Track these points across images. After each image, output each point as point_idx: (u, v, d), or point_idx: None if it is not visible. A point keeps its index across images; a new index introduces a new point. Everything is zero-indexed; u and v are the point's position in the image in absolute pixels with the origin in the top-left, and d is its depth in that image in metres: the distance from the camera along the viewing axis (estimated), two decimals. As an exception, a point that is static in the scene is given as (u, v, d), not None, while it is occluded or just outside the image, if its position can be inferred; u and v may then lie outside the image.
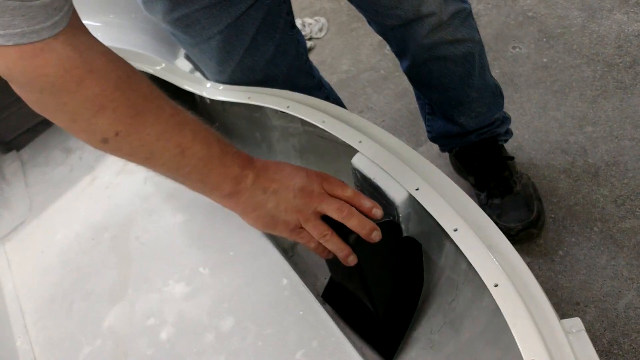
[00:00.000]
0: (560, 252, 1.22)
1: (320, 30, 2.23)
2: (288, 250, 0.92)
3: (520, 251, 0.61)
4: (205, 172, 0.68)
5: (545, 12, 1.76)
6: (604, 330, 1.07)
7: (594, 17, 1.67)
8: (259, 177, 0.70)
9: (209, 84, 1.04)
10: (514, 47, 1.71)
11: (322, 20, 2.26)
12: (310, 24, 2.27)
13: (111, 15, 1.40)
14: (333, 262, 0.75)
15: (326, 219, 0.70)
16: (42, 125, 1.34)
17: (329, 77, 1.92)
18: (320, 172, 0.73)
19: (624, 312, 1.09)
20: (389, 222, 0.72)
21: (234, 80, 1.03)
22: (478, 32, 1.14)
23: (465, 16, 1.08)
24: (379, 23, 1.10)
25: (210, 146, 0.68)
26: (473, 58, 1.13)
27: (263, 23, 0.97)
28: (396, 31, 1.09)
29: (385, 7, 1.01)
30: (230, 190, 0.69)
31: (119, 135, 0.61)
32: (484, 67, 1.19)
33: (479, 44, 1.15)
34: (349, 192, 0.71)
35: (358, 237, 0.68)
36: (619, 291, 1.12)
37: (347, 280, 0.78)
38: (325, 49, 2.10)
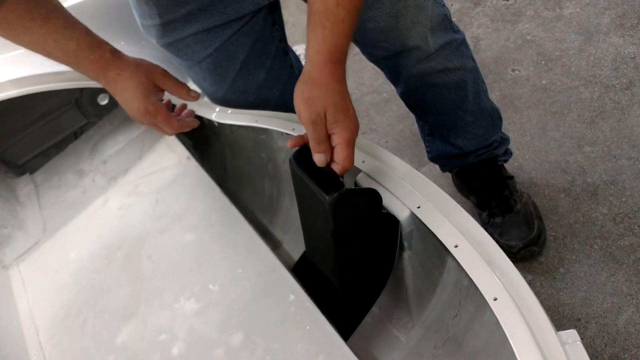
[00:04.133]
0: (561, 270, 1.24)
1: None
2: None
3: (522, 269, 0.64)
4: (71, 66, 0.90)
5: (544, 36, 1.80)
6: (605, 346, 1.09)
7: (591, 41, 1.71)
8: (108, 85, 0.91)
9: (217, 108, 1.07)
10: (513, 70, 1.75)
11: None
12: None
13: (122, 42, 1.45)
14: (308, 227, 0.78)
15: None
16: (54, 149, 1.38)
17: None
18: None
19: (624, 327, 1.11)
20: (371, 191, 0.73)
21: (227, 100, 1.08)
22: (472, 59, 1.17)
23: (457, 46, 1.12)
24: (370, 53, 1.14)
25: (67, 54, 0.87)
26: (466, 85, 1.17)
27: (253, 48, 1.02)
28: (387, 60, 1.13)
29: (373, 40, 1.05)
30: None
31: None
32: (479, 92, 1.22)
33: (473, 70, 1.18)
34: None
35: (338, 197, 0.68)
36: (619, 307, 1.14)
37: (318, 249, 0.79)
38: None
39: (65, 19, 0.86)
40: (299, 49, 2.10)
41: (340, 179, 0.70)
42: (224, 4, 0.94)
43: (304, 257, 0.85)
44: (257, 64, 1.04)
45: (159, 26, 0.96)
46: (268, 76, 1.06)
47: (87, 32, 0.88)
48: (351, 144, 0.70)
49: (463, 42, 1.14)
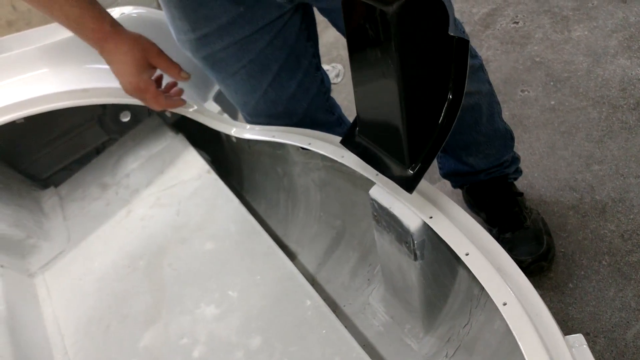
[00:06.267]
0: (570, 285, 1.26)
1: (337, 76, 2.34)
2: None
3: (531, 283, 0.66)
4: (73, 31, 0.96)
5: (552, 58, 1.84)
6: (614, 360, 1.11)
7: (599, 62, 1.75)
8: (105, 54, 0.98)
9: (235, 125, 1.12)
10: (522, 91, 1.79)
11: (339, 66, 2.37)
12: (328, 70, 2.38)
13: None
14: (362, 84, 0.71)
15: None
16: (77, 164, 1.43)
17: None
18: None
19: (633, 342, 1.13)
20: (437, 1, 0.59)
21: (257, 111, 1.12)
22: (488, 82, 1.20)
23: (475, 71, 1.15)
24: None
25: (69, 19, 0.94)
26: (480, 108, 1.20)
27: (287, 61, 1.06)
28: None
29: None
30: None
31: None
32: (493, 114, 1.25)
33: (488, 94, 1.21)
34: None
35: (401, 5, 0.56)
36: (627, 322, 1.16)
37: (377, 108, 0.71)
38: (342, 93, 2.20)
39: None
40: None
41: None
42: (251, 13, 0.98)
43: (352, 132, 0.80)
44: (290, 76, 1.08)
45: (193, 41, 1.01)
46: (299, 89, 1.10)
47: (92, 2, 0.95)
48: None
49: (480, 67, 1.17)
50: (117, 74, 1.00)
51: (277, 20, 1.01)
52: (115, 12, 1.39)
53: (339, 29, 1.09)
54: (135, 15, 1.36)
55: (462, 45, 0.63)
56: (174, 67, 1.04)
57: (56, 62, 1.32)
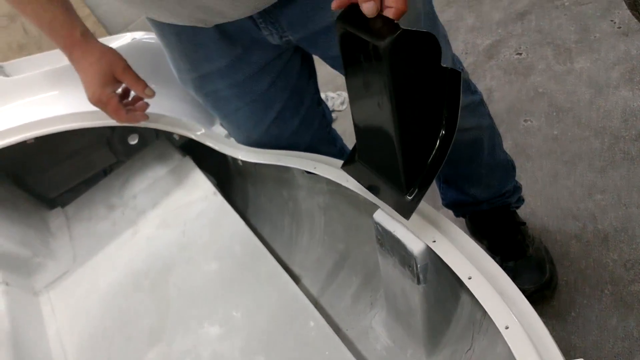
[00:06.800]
0: (573, 314, 1.26)
1: (342, 103, 2.37)
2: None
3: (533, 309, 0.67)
4: (45, 34, 0.99)
5: (555, 88, 1.87)
6: (617, 390, 1.10)
7: (601, 94, 1.77)
8: (72, 62, 1.01)
9: (242, 148, 1.13)
10: (525, 120, 1.81)
11: (344, 94, 2.40)
12: (333, 97, 2.41)
13: (153, 85, 1.54)
14: (360, 112, 0.73)
15: None
16: (84, 185, 1.45)
17: (350, 146, 2.02)
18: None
19: (636, 371, 1.12)
20: (430, 35, 0.62)
21: (259, 145, 1.13)
22: (489, 116, 1.21)
23: (475, 106, 1.16)
24: None
25: (42, 23, 0.97)
26: (481, 142, 1.21)
27: (289, 100, 1.07)
28: None
29: None
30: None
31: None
32: (494, 147, 1.26)
33: (489, 128, 1.22)
34: None
35: (398, 37, 0.58)
36: (630, 352, 1.15)
37: (373, 136, 0.73)
38: (347, 119, 2.23)
39: None
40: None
41: (396, 22, 0.60)
42: (249, 55, 0.98)
43: (352, 157, 0.82)
44: (293, 113, 1.09)
45: (195, 79, 1.01)
46: (301, 125, 1.11)
47: (66, 9, 0.98)
48: None
49: (481, 102, 1.18)
50: (83, 83, 1.03)
51: (276, 61, 1.01)
52: (127, 38, 1.43)
53: (337, 70, 1.09)
54: (145, 41, 1.40)
55: (455, 77, 0.65)
56: (139, 83, 1.05)
57: (66, 85, 1.35)
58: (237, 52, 0.96)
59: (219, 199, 1.13)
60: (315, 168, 0.96)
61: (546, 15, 2.21)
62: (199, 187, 1.19)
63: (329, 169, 0.94)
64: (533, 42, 2.13)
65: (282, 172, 1.14)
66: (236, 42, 0.95)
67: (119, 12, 3.16)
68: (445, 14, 2.56)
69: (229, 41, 0.95)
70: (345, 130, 2.14)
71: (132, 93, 1.14)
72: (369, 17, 0.60)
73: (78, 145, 1.47)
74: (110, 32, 3.15)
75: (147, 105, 1.15)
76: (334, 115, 2.28)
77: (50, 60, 1.49)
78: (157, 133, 1.45)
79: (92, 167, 1.50)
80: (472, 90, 1.17)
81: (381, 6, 0.60)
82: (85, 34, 1.00)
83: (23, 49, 3.01)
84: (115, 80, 1.03)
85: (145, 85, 1.06)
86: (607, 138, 1.63)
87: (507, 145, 1.71)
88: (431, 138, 0.72)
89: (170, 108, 1.36)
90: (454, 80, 0.66)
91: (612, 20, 2.00)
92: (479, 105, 1.18)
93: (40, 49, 3.00)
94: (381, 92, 0.64)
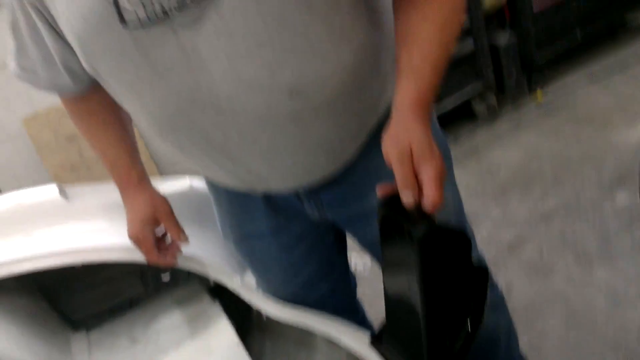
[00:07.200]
0: None
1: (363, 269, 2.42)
2: None
3: None
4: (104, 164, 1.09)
5: (573, 294, 1.91)
6: None
7: (619, 306, 1.80)
8: (122, 196, 1.10)
9: (271, 303, 1.18)
10: (542, 322, 1.83)
11: (367, 259, 2.45)
12: (356, 264, 2.47)
13: (195, 228, 1.64)
14: (392, 297, 0.75)
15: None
16: (110, 314, 1.49)
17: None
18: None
19: None
20: (462, 234, 0.67)
21: (285, 301, 1.18)
22: (507, 316, 1.26)
23: (494, 307, 1.21)
24: None
25: (106, 157, 1.07)
26: (499, 340, 1.24)
27: (319, 268, 1.16)
28: None
29: None
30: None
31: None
32: (511, 347, 1.29)
33: (507, 328, 1.26)
34: None
35: (429, 229, 0.63)
36: None
37: (402, 320, 0.75)
38: (364, 285, 2.26)
39: (122, 131, 1.07)
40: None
41: (432, 217, 0.66)
42: (289, 224, 1.09)
43: (380, 334, 0.83)
44: (321, 280, 1.17)
45: (237, 235, 1.13)
46: (328, 292, 1.19)
47: (131, 152, 1.08)
48: (439, 179, 0.67)
49: (500, 302, 1.23)
50: (127, 219, 1.09)
51: (312, 232, 1.11)
52: (185, 183, 1.54)
53: (365, 250, 1.16)
54: (202, 190, 1.51)
55: (483, 274, 0.71)
56: (177, 229, 1.10)
57: (112, 219, 1.44)
58: (280, 221, 1.08)
59: (241, 352, 1.16)
60: (341, 340, 1.00)
61: (570, 220, 2.30)
62: (224, 335, 1.22)
63: (356, 342, 0.98)
64: (555, 244, 2.20)
65: (306, 335, 1.18)
66: (280, 212, 1.06)
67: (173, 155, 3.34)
68: (471, 206, 2.69)
69: (273, 210, 1.06)
70: (363, 292, 2.17)
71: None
72: (407, 206, 0.66)
73: (112, 272, 1.53)
74: (160, 169, 3.31)
75: (179, 249, 1.20)
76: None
77: (103, 193, 1.60)
78: (189, 274, 1.52)
79: (121, 295, 1.54)
80: (493, 284, 1.23)
81: (419, 195, 0.67)
82: (142, 178, 1.10)
83: (74, 170, 3.19)
84: (156, 221, 1.10)
85: (181, 232, 1.11)
86: (622, 352, 1.63)
87: (522, 344, 1.71)
88: (456, 330, 0.76)
89: (209, 249, 1.43)
90: (481, 277, 0.72)
91: (633, 235, 2.08)
92: (499, 305, 1.23)
93: (89, 169, 3.17)
94: (411, 274, 0.68)
